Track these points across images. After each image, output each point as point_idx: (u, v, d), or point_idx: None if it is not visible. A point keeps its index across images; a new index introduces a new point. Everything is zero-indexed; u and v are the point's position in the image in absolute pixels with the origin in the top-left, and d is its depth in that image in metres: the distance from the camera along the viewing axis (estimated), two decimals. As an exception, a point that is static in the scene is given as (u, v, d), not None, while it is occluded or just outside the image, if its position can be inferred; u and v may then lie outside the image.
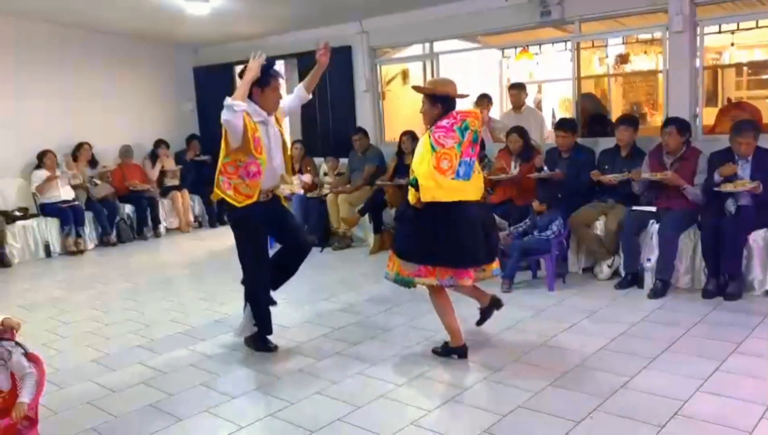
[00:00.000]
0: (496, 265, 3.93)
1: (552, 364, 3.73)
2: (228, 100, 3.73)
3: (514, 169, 6.05)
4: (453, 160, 3.64)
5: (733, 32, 6.51)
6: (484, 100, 7.10)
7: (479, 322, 4.22)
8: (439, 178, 3.61)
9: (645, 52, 9.22)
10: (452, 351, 3.90)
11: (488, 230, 3.85)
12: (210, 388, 3.67)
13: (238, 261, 4.07)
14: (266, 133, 3.97)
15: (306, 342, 4.37)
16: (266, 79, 3.94)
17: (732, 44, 8.31)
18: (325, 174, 8.10)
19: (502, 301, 4.26)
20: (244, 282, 4.19)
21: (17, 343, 2.81)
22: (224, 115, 3.73)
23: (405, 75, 9.11)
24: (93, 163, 8.48)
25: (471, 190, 3.73)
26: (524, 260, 5.49)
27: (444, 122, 3.70)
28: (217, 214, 9.27)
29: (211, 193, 4.09)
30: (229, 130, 3.79)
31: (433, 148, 3.63)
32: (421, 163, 3.65)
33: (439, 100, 3.76)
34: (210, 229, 9.19)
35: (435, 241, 3.66)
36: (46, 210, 7.82)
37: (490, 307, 4.20)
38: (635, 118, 5.98)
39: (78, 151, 8.34)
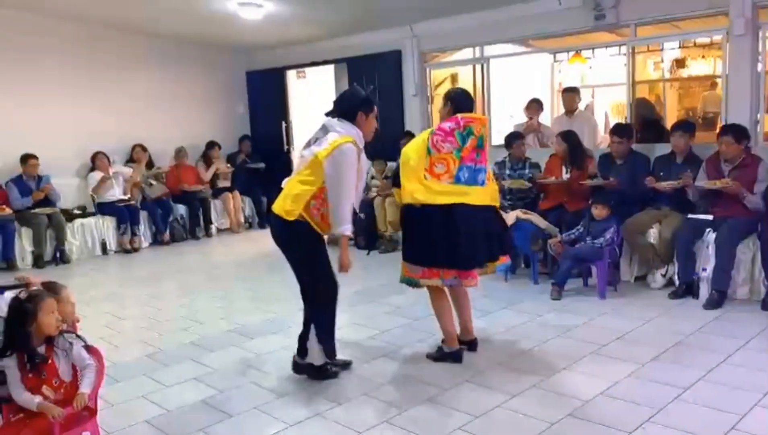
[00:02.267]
0: (501, 260, 3.94)
1: (603, 373, 3.66)
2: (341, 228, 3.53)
3: (566, 174, 5.95)
4: (450, 165, 3.67)
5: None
6: (533, 105, 7.04)
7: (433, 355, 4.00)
8: (428, 182, 3.66)
9: (703, 57, 8.96)
10: (447, 356, 3.91)
11: (493, 230, 3.84)
12: (259, 386, 3.72)
13: (285, 262, 3.91)
14: (362, 161, 3.68)
15: (353, 344, 4.39)
16: (371, 105, 3.79)
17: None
18: (373, 177, 8.14)
19: (476, 347, 4.08)
20: (314, 303, 3.78)
21: (78, 336, 2.91)
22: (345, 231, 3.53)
23: (454, 79, 9.08)
24: (149, 164, 8.74)
25: (478, 195, 3.75)
26: (576, 268, 5.40)
27: (446, 125, 3.72)
28: (266, 216, 9.46)
29: (270, 202, 3.82)
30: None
31: (429, 151, 3.67)
32: (406, 163, 3.70)
33: (450, 100, 3.80)
34: (260, 230, 9.34)
35: (433, 243, 3.68)
36: (103, 209, 8.10)
37: (465, 344, 4.03)
38: (691, 124, 5.82)
39: (133, 152, 8.61)
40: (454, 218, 3.66)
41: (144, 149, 8.68)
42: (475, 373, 3.75)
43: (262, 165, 9.43)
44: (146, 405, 3.54)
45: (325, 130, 3.64)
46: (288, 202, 3.54)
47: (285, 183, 3.70)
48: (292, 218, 3.52)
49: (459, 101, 3.86)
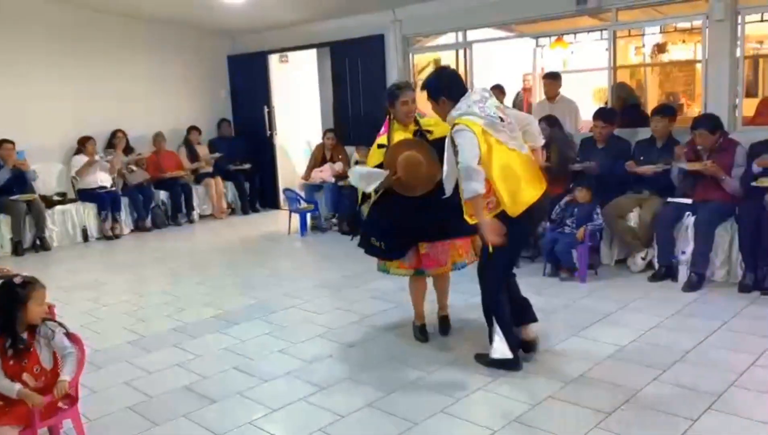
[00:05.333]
0: (461, 257, 3.96)
1: (584, 356, 3.71)
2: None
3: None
4: None
5: (775, 20, 6.34)
6: (494, 92, 7.00)
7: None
8: None
9: (683, 41, 9.02)
10: (415, 330, 4.16)
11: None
12: (243, 372, 3.73)
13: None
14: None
15: (337, 328, 4.41)
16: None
17: (774, 33, 8.08)
18: (357, 162, 8.12)
19: (447, 323, 4.21)
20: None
21: (59, 323, 2.89)
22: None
23: (437, 63, 9.06)
24: (128, 149, 8.63)
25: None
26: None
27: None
28: (249, 200, 9.41)
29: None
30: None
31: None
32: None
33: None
34: (243, 215, 9.30)
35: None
36: (84, 195, 8.00)
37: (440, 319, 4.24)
38: (671, 108, 5.85)
39: (113, 138, 8.51)
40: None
41: (123, 134, 8.57)
42: (458, 356, 3.79)
43: (247, 166, 9.38)
44: (129, 391, 3.54)
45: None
46: None
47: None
48: None
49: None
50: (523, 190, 3.33)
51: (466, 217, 3.44)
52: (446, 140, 3.44)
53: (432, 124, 3.85)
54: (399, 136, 3.84)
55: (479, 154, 3.24)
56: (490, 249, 3.34)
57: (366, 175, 3.88)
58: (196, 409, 3.29)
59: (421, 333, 4.11)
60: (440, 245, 3.88)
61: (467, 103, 3.38)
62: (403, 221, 3.81)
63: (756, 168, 4.81)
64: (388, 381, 3.51)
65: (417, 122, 3.88)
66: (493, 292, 3.54)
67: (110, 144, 8.49)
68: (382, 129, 4.00)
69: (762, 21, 6.04)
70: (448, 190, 3.47)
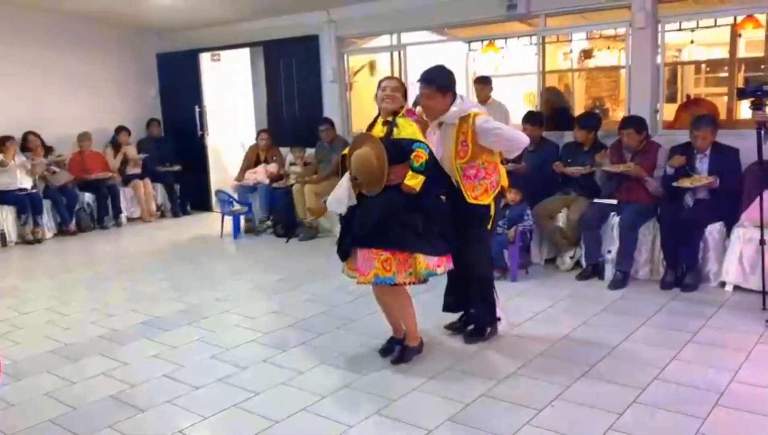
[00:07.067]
0: (386, 272, 3.46)
1: (515, 353, 3.79)
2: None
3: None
4: None
5: (693, 30, 6.65)
6: (481, 84, 7.02)
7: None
8: None
9: (608, 48, 9.36)
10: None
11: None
12: (173, 379, 3.62)
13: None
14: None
15: (271, 332, 4.34)
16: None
17: (692, 42, 8.49)
18: (292, 164, 8.04)
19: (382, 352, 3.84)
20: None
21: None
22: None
23: (372, 66, 9.07)
24: (47, 150, 8.21)
25: None
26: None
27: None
28: (180, 202, 9.17)
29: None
30: None
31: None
32: None
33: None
34: (173, 218, 9.05)
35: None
36: (2, 198, 7.58)
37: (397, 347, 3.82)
38: (594, 119, 6.01)
39: (25, 141, 8.01)
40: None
41: (36, 136, 8.12)
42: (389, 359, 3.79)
43: (177, 167, 9.13)
44: (50, 403, 3.37)
45: None
46: None
47: None
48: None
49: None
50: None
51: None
52: (451, 131, 3.71)
53: (402, 125, 3.56)
54: (376, 128, 3.64)
55: None
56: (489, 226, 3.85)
57: (339, 194, 3.64)
58: (124, 419, 3.17)
59: (387, 342, 3.84)
60: (367, 253, 3.48)
61: (469, 102, 3.80)
62: (347, 220, 3.67)
63: (669, 169, 5.04)
64: (323, 385, 3.48)
65: (395, 117, 3.59)
66: (486, 263, 3.96)
67: (24, 147, 8.04)
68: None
69: (680, 30, 6.32)
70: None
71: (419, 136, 3.55)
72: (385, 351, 3.82)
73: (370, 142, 3.54)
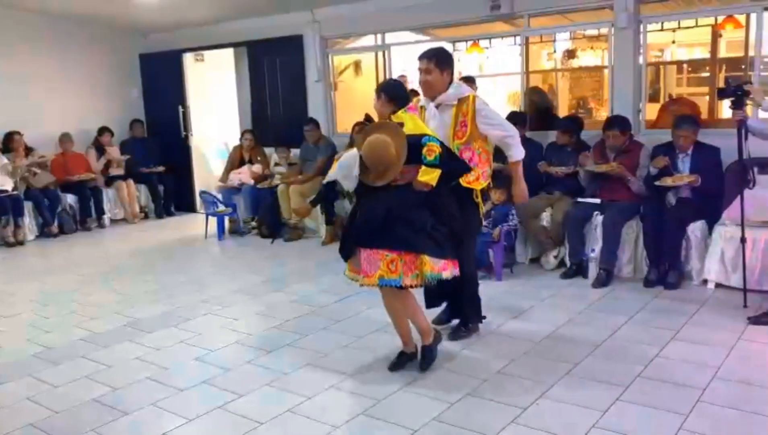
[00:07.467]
0: (392, 273, 3.33)
1: (500, 352, 3.80)
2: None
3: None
4: None
5: (674, 30, 6.72)
6: (468, 82, 7.02)
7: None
8: None
9: (591, 48, 9.42)
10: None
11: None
12: (157, 382, 3.60)
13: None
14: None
15: (257, 334, 4.33)
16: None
17: (673, 42, 8.58)
18: (276, 164, 8.02)
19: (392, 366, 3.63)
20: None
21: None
22: None
23: (357, 66, 9.07)
24: (28, 151, 8.11)
25: None
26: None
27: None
28: (164, 203, 9.10)
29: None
30: None
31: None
32: None
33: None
34: (157, 219, 8.98)
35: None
36: (-19, 200, 7.50)
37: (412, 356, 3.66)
38: (575, 122, 6.05)
39: (8, 142, 7.93)
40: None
41: (20, 136, 8.03)
42: (375, 359, 3.79)
43: (160, 168, 9.07)
44: (32, 407, 3.34)
45: None
46: None
47: None
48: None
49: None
50: None
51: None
52: (449, 111, 3.75)
53: (401, 118, 3.52)
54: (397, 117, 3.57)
55: None
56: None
57: (345, 164, 3.48)
58: (107, 422, 3.14)
59: (396, 357, 3.65)
60: (372, 253, 3.35)
61: (466, 87, 3.87)
62: (352, 218, 3.56)
63: (653, 169, 5.08)
64: (309, 385, 3.47)
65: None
66: (473, 261, 3.97)
67: (6, 148, 7.96)
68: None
69: (662, 30, 6.38)
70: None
71: (425, 129, 3.51)
72: (395, 366, 3.61)
73: (388, 130, 3.35)
